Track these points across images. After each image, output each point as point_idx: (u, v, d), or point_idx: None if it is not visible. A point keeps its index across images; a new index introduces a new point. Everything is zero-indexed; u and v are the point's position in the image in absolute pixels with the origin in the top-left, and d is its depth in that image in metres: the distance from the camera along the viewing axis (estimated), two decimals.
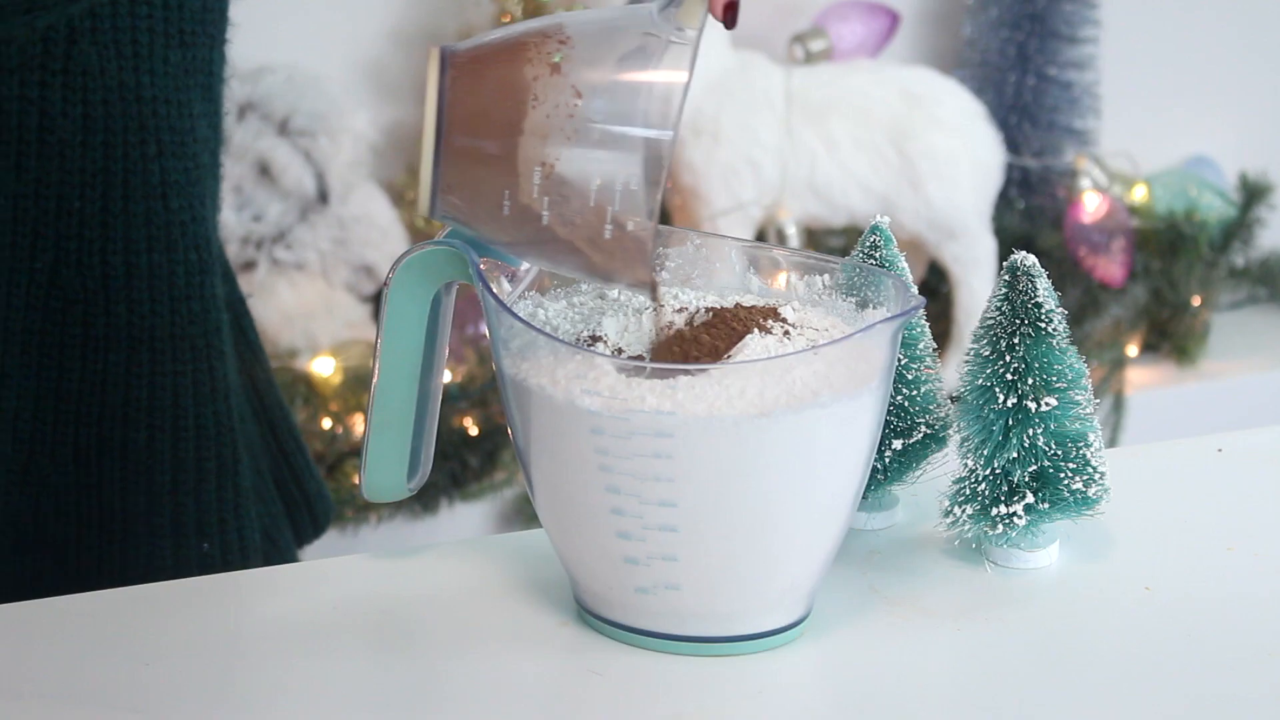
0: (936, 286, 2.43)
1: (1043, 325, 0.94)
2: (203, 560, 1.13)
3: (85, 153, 1.04)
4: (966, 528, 0.97)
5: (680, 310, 0.93)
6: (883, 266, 0.97)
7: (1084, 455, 0.95)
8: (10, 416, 1.08)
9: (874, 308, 0.92)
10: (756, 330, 0.90)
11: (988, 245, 2.34)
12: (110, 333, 1.08)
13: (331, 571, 1.00)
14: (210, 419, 1.11)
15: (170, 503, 1.11)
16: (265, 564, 1.18)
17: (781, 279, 0.95)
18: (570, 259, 0.87)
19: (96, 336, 1.08)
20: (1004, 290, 0.95)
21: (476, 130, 0.85)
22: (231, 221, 2.17)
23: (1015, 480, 0.96)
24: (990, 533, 0.96)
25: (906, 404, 0.99)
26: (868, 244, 0.98)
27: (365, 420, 0.96)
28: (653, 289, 0.89)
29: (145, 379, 1.09)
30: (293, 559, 1.23)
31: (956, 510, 0.97)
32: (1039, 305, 0.94)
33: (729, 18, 0.86)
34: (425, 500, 2.14)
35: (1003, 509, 0.96)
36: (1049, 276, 0.95)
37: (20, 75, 1.02)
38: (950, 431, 0.99)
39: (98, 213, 1.06)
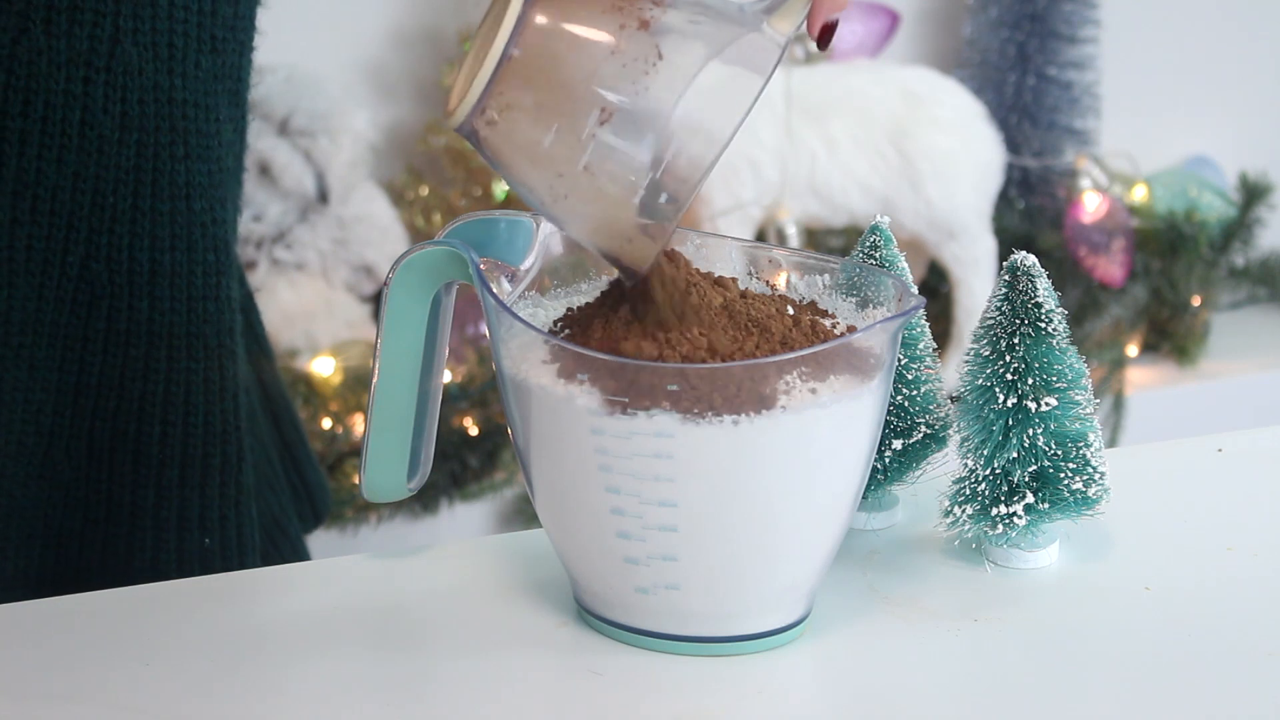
0: (936, 286, 2.44)
1: (1043, 325, 0.94)
2: (204, 555, 1.13)
3: (121, 150, 1.07)
4: (966, 528, 0.97)
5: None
6: (883, 266, 0.97)
7: (1084, 455, 0.95)
8: (34, 409, 1.09)
9: (874, 308, 0.92)
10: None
11: (988, 245, 2.34)
12: (132, 328, 1.10)
13: (331, 571, 1.00)
14: (218, 417, 1.13)
15: (177, 498, 1.12)
16: (268, 556, 1.19)
17: (781, 279, 0.95)
18: (584, 212, 0.86)
19: (119, 331, 1.10)
20: (1004, 290, 0.95)
21: (549, 60, 0.84)
22: None
23: (1015, 480, 0.96)
24: (990, 533, 0.96)
25: (906, 404, 0.99)
26: (868, 244, 0.98)
27: (365, 420, 0.96)
28: (640, 274, 0.88)
29: (161, 375, 1.11)
30: (303, 549, 1.25)
31: (956, 510, 0.97)
32: (1039, 305, 0.94)
33: (824, 39, 0.87)
34: (425, 500, 2.15)
35: (1003, 509, 0.96)
36: (1049, 276, 0.95)
37: (67, 71, 1.04)
38: (950, 431, 0.99)
39: (128, 209, 1.08)
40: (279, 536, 1.21)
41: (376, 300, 2.28)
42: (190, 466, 1.13)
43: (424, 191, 2.34)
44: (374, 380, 0.96)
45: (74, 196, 1.07)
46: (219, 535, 1.14)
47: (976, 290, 2.34)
